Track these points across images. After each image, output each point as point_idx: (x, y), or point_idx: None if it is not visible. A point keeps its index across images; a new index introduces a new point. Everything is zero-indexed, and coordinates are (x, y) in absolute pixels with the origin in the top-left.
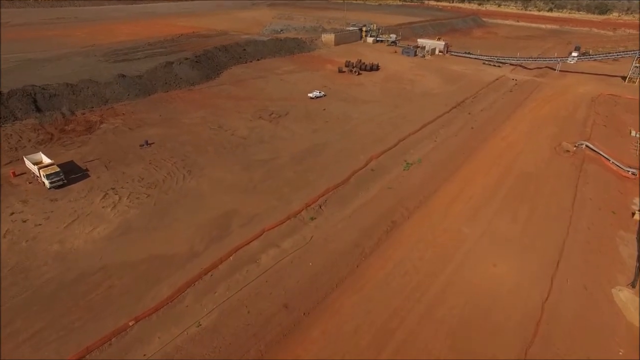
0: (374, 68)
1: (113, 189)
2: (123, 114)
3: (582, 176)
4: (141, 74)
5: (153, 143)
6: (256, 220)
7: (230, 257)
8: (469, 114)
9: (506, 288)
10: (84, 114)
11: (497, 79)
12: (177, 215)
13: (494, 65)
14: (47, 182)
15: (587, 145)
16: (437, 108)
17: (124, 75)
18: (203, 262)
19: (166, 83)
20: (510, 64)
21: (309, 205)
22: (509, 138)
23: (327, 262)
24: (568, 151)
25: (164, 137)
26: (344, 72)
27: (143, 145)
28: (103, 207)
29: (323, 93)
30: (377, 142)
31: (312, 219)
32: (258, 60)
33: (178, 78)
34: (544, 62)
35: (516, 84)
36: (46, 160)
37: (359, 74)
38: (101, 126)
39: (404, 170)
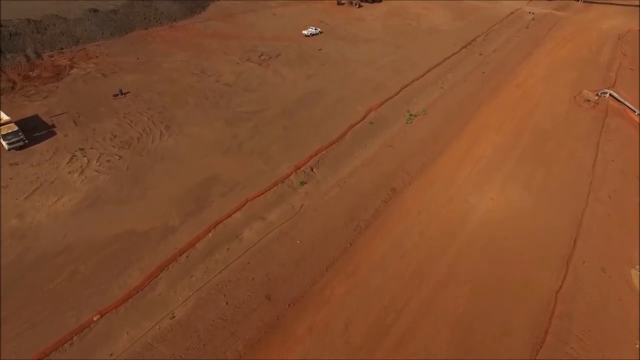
0: (377, 0)
1: (82, 149)
2: (96, 56)
3: (604, 132)
4: (116, 8)
5: (128, 92)
6: (239, 188)
7: (209, 234)
8: (480, 54)
9: (518, 275)
10: (51, 57)
11: (512, 13)
12: (151, 182)
13: None
14: (4, 144)
15: (610, 94)
16: (445, 48)
17: (96, 10)
18: (179, 239)
19: (145, 19)
20: None
21: (299, 168)
22: (524, 85)
23: (316, 239)
24: (589, 101)
25: (140, 85)
26: (343, 4)
27: (117, 95)
28: (69, 173)
29: (319, 30)
30: (378, 89)
31: (302, 183)
32: None
33: (159, 13)
34: None
35: (533, 19)
36: (4, 117)
37: (359, 6)
38: (71, 72)
39: (407, 123)
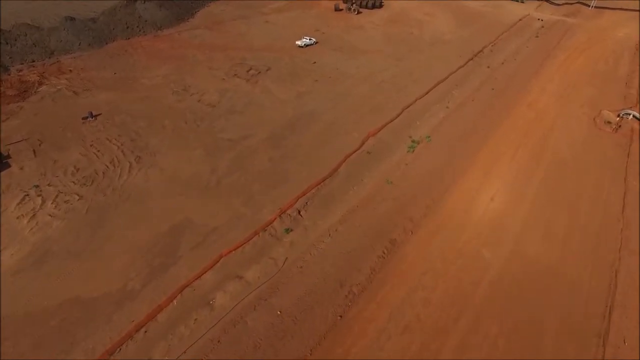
0: (377, 5)
1: (37, 186)
2: (70, 70)
3: (630, 163)
4: (96, 16)
5: (99, 115)
6: (214, 237)
7: (174, 301)
8: (488, 67)
9: (543, 356)
10: (20, 71)
11: (520, 20)
12: (113, 230)
13: (516, 1)
14: None
15: (634, 116)
16: (450, 60)
17: (73, 19)
18: (137, 309)
19: (128, 27)
20: None
21: (284, 211)
22: (537, 104)
23: (300, 309)
24: (610, 123)
25: (114, 105)
26: (342, 10)
27: (87, 118)
28: (18, 218)
29: (314, 40)
30: (377, 110)
31: (287, 231)
32: None
33: (142, 21)
34: None
35: (543, 26)
36: None
37: (358, 13)
38: (39, 89)
39: (409, 152)
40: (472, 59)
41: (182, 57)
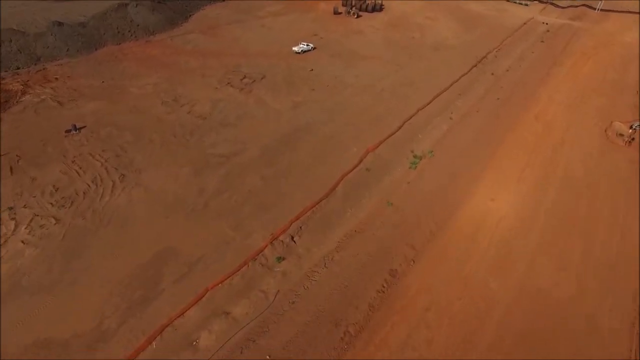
0: (377, 8)
1: (11, 208)
2: (56, 78)
3: None
4: (86, 21)
5: (84, 127)
6: (200, 267)
7: (153, 342)
8: (493, 74)
9: None
10: (3, 79)
11: (524, 23)
12: (90, 259)
13: (520, 4)
14: None
15: None
16: (453, 67)
17: (61, 24)
18: (111, 352)
19: (119, 32)
20: (539, 1)
21: (276, 238)
22: (545, 115)
23: (291, 352)
24: (622, 135)
25: (100, 116)
26: (341, 13)
27: (70, 131)
28: None
29: (312, 46)
30: (376, 122)
31: (279, 260)
32: None
33: (134, 25)
34: None
35: (548, 31)
36: None
37: (358, 16)
38: (22, 99)
39: (411, 168)
40: (475, 65)
41: (174, 64)
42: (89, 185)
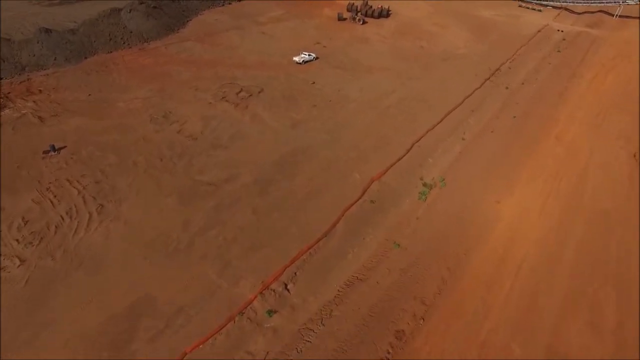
0: (384, 14)
1: None
2: (40, 90)
3: None
4: (76, 27)
5: (64, 148)
6: (179, 322)
7: None
8: (507, 88)
9: None
10: None
11: (539, 31)
12: (55, 311)
13: (533, 9)
14: None
15: None
16: (465, 80)
17: (48, 30)
18: None
19: (110, 40)
20: (553, 7)
21: (268, 286)
22: (566, 136)
23: None
24: None
25: (83, 135)
26: (345, 20)
27: (48, 152)
28: None
29: (314, 55)
30: (382, 144)
31: (270, 313)
32: (239, 1)
33: (127, 32)
34: (597, 3)
35: (564, 39)
36: None
37: (364, 22)
38: (1, 113)
39: (420, 199)
40: (489, 78)
41: (166, 75)
42: (62, 218)
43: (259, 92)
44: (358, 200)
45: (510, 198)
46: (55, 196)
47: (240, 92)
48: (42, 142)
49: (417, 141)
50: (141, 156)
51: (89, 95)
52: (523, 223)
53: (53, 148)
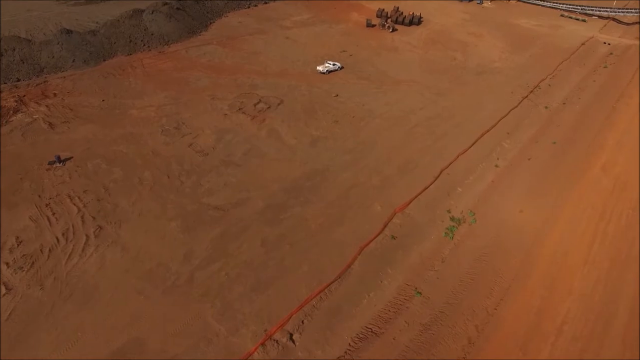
0: (415, 21)
1: None
2: (54, 94)
3: None
4: (97, 28)
5: (70, 159)
6: None
7: None
8: (546, 108)
9: None
10: (1, 92)
11: (583, 44)
12: (36, 349)
13: (576, 19)
14: None
15: None
16: (500, 97)
17: (69, 31)
18: None
19: (130, 42)
20: (599, 17)
21: (270, 336)
22: (614, 167)
23: None
24: None
25: (91, 145)
26: (374, 26)
27: (54, 163)
28: None
29: (338, 65)
30: (407, 169)
31: None
32: (265, 3)
33: (148, 34)
34: None
35: (612, 53)
36: None
37: (393, 30)
38: (13, 118)
39: (447, 237)
40: (526, 96)
41: (184, 81)
42: (57, 240)
43: (278, 104)
44: (378, 235)
45: (549, 241)
46: (53, 214)
47: (258, 103)
48: (50, 151)
49: (446, 167)
50: (148, 172)
51: (103, 100)
52: (564, 272)
53: (58, 159)
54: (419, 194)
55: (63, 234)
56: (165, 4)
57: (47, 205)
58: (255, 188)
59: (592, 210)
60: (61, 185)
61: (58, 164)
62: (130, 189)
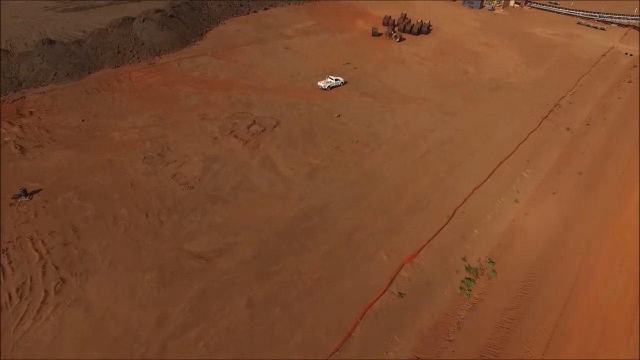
0: (424, 30)
1: None
2: (31, 112)
3: None
4: (83, 38)
5: (38, 192)
6: None
7: None
8: (568, 130)
9: None
10: None
11: (603, 55)
12: None
13: (594, 27)
14: None
15: None
16: (517, 118)
17: (52, 42)
18: None
19: (119, 52)
20: (619, 25)
21: None
22: None
23: None
24: None
25: (64, 174)
26: (380, 35)
27: (19, 197)
28: None
29: (341, 80)
30: (417, 208)
31: None
32: (265, 9)
33: (138, 44)
34: None
35: (635, 66)
36: None
37: (400, 39)
38: None
39: (462, 293)
40: (546, 116)
41: (172, 98)
42: (10, 297)
43: (274, 126)
44: (384, 292)
45: (583, 304)
46: (10, 262)
47: (252, 124)
48: (17, 182)
49: (461, 205)
50: (124, 209)
51: (83, 120)
52: (604, 339)
53: (24, 193)
54: (431, 238)
55: (17, 290)
56: (158, 11)
57: (5, 250)
58: (244, 231)
59: (630, 263)
60: (24, 225)
61: (24, 198)
62: (102, 230)
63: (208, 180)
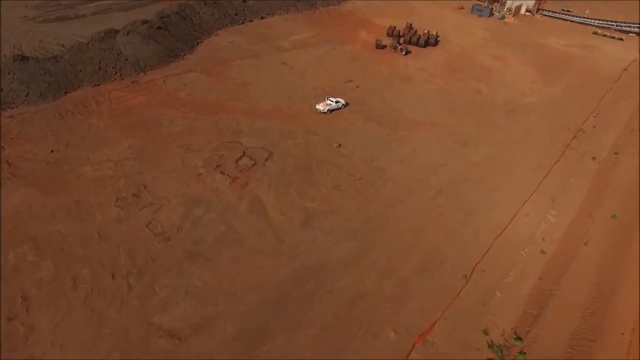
0: (431, 42)
1: None
2: None
3: None
4: (61, 54)
5: None
6: None
7: None
8: (594, 160)
9: None
10: None
11: (625, 70)
12: None
13: (612, 37)
14: None
15: None
16: (537, 146)
17: (25, 58)
18: None
19: (100, 69)
20: (638, 34)
21: None
22: None
23: None
24: None
25: (22, 222)
26: (385, 47)
27: None
28: None
29: (342, 102)
30: (430, 267)
31: None
32: (262, 18)
33: (122, 59)
34: None
35: None
36: None
37: (406, 53)
38: None
39: None
40: (569, 145)
41: (155, 124)
42: None
43: (266, 159)
44: None
45: None
46: None
47: (241, 157)
48: None
49: (480, 260)
50: (87, 268)
51: (52, 151)
52: None
53: None
54: (446, 308)
55: None
56: (146, 22)
57: None
58: (226, 299)
59: None
60: None
61: None
62: (58, 297)
63: (188, 230)
